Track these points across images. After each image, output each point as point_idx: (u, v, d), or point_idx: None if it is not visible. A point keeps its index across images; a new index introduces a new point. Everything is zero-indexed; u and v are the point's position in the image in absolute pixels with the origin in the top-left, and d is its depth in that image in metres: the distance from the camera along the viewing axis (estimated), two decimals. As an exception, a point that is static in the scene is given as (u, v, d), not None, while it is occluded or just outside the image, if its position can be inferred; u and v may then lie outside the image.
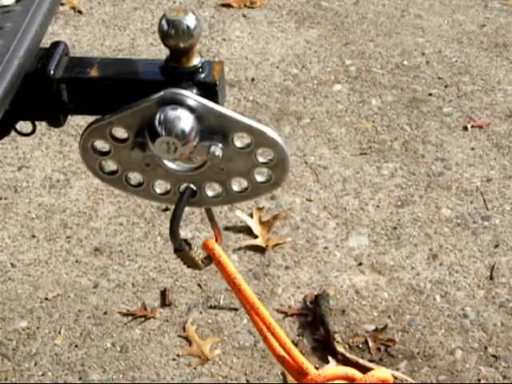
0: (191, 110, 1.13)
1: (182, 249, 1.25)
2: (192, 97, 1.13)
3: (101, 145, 1.22)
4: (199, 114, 1.13)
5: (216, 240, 1.30)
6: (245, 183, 1.22)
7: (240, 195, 1.22)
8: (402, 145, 2.76)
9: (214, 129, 1.14)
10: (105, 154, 1.21)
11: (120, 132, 1.20)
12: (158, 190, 1.25)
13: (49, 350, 2.17)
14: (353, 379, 1.27)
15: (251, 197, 1.24)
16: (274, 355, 1.28)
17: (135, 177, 1.25)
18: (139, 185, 1.24)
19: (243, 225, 2.47)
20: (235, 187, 1.22)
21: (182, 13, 1.14)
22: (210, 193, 1.23)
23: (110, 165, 1.23)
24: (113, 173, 1.24)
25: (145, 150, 1.15)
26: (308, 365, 1.27)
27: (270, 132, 1.16)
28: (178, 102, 1.13)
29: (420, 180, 2.63)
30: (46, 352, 2.17)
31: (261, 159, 1.18)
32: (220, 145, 1.14)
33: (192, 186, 1.22)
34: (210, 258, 1.28)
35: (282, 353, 1.27)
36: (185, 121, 1.12)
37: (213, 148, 1.14)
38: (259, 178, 1.20)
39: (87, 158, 1.22)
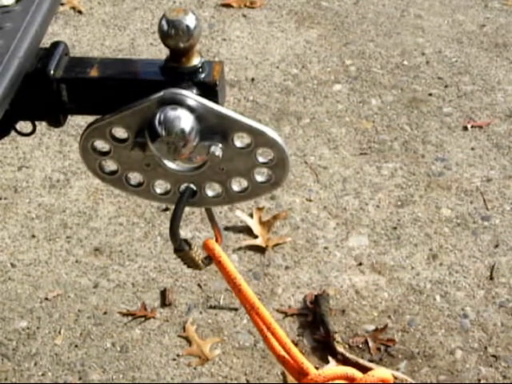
0: (191, 109, 1.13)
1: (182, 249, 1.25)
2: (192, 97, 1.13)
3: (101, 145, 1.22)
4: (199, 114, 1.13)
5: (216, 240, 1.30)
6: (245, 183, 1.22)
7: (240, 195, 1.22)
8: (402, 145, 2.76)
9: (213, 129, 1.14)
10: (105, 153, 1.21)
11: (120, 132, 1.20)
12: (158, 190, 1.25)
13: (49, 349, 2.18)
14: (353, 379, 1.27)
15: (251, 197, 1.23)
16: (274, 355, 1.28)
17: (135, 177, 1.25)
18: (139, 185, 1.24)
19: (243, 225, 2.47)
20: (235, 187, 1.22)
21: (182, 13, 1.14)
22: (210, 193, 1.23)
23: (110, 165, 1.23)
24: (113, 173, 1.24)
25: (145, 149, 1.15)
26: (308, 365, 1.27)
27: (269, 132, 1.16)
28: (178, 102, 1.13)
29: (420, 180, 2.63)
30: (46, 352, 2.17)
31: (261, 159, 1.18)
32: (220, 145, 1.14)
33: (192, 186, 1.21)
34: (210, 258, 1.27)
35: (282, 353, 1.27)
36: (185, 121, 1.12)
37: (213, 148, 1.14)
38: (259, 178, 1.20)
39: (87, 158, 1.22)
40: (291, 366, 1.28)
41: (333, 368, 1.27)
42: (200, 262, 1.27)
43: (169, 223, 1.23)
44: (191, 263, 1.27)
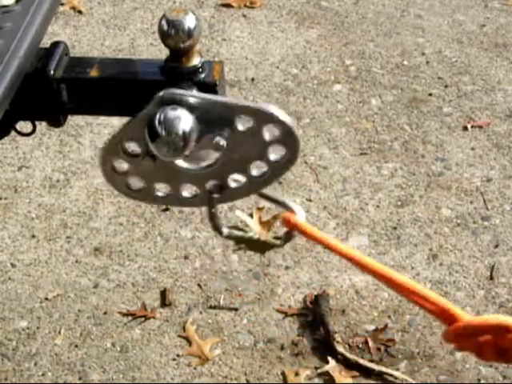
0: (191, 109, 1.13)
1: (235, 237, 1.21)
2: (191, 94, 1.13)
3: (119, 164, 1.20)
4: (198, 109, 1.13)
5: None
6: (263, 167, 1.20)
7: (262, 180, 1.20)
8: (402, 145, 2.76)
9: (215, 120, 1.14)
10: (126, 172, 1.20)
11: (133, 146, 1.19)
12: (186, 195, 1.24)
13: (49, 349, 2.18)
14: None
15: (273, 178, 1.21)
16: (418, 305, 1.21)
17: (162, 187, 1.23)
18: (167, 195, 1.23)
19: (243, 225, 2.46)
20: (255, 172, 1.20)
21: (182, 13, 1.14)
22: (234, 184, 1.22)
23: (136, 181, 1.22)
24: (140, 190, 1.22)
25: (155, 158, 1.14)
26: (459, 311, 1.19)
27: (267, 107, 1.15)
28: (178, 102, 1.13)
29: (420, 180, 2.63)
30: (46, 352, 2.17)
31: (268, 137, 1.17)
32: (224, 133, 1.13)
33: (217, 182, 1.20)
34: (291, 233, 1.23)
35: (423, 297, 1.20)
36: (185, 121, 1.12)
37: (217, 139, 1.13)
38: (273, 157, 1.19)
39: (113, 182, 1.20)
40: (437, 312, 1.20)
41: (485, 316, 1.18)
42: (272, 240, 1.22)
43: (210, 224, 1.20)
44: (256, 246, 1.22)
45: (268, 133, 1.16)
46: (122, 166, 1.20)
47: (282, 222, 1.23)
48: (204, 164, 1.20)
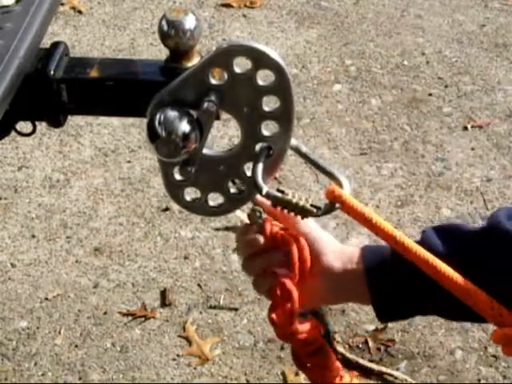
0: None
1: (273, 196, 1.19)
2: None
3: (178, 176, 1.20)
4: (188, 80, 1.13)
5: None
6: (276, 125, 1.18)
7: (277, 136, 1.18)
8: (402, 145, 2.76)
9: (192, 89, 1.13)
10: (184, 181, 1.20)
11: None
12: (233, 190, 1.23)
13: (49, 349, 2.18)
14: None
15: (285, 129, 1.18)
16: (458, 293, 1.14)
17: (215, 197, 1.22)
18: (240, 192, 1.22)
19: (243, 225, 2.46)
20: (266, 132, 1.19)
21: (182, 13, 1.14)
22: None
23: (191, 192, 1.21)
24: (195, 200, 1.22)
25: (188, 164, 1.14)
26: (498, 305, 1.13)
27: (247, 43, 1.15)
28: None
29: (420, 180, 2.63)
30: (46, 352, 2.17)
31: (261, 82, 1.16)
32: (211, 98, 1.12)
33: (265, 144, 1.17)
34: (333, 205, 1.19)
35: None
36: (185, 121, 1.12)
37: (206, 104, 1.12)
38: (267, 108, 1.17)
39: (174, 194, 1.20)
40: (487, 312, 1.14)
41: None
42: (310, 207, 1.19)
43: (253, 177, 1.18)
44: (298, 210, 1.19)
45: (262, 78, 1.15)
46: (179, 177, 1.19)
47: (325, 193, 1.20)
48: (228, 147, 1.20)
